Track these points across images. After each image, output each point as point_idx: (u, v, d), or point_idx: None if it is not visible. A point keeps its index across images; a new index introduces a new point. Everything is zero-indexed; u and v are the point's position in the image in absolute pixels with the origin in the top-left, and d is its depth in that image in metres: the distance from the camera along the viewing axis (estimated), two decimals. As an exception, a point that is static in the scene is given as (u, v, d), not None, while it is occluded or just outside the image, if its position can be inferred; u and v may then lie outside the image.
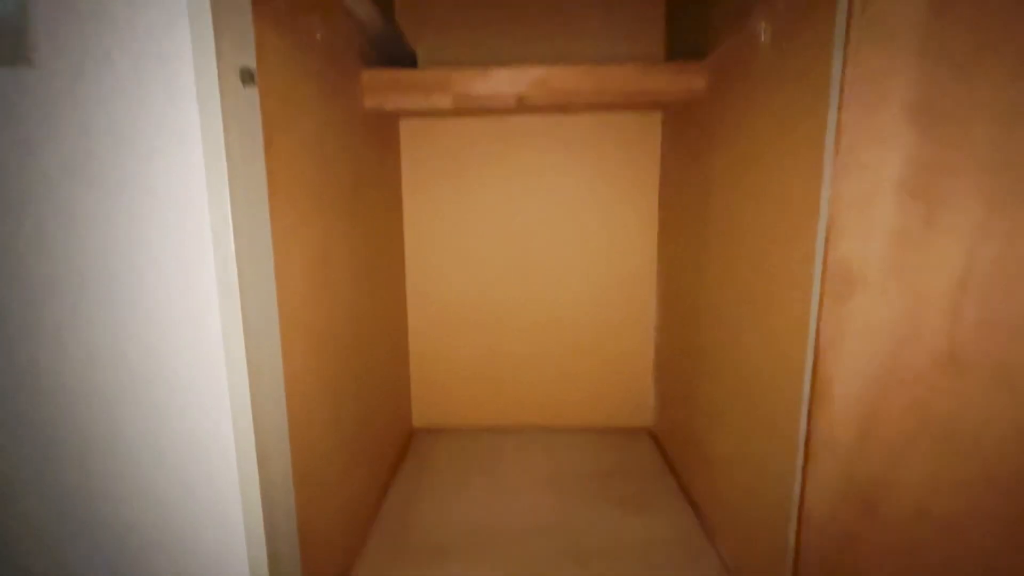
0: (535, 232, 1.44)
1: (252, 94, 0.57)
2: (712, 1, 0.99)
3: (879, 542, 0.54)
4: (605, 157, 1.40)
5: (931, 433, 0.52)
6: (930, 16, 0.50)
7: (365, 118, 1.06)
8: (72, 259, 0.55)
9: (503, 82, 1.02)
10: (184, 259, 0.54)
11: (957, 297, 0.52)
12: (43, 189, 0.54)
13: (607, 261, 1.45)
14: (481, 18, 1.32)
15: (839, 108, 0.56)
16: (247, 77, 0.55)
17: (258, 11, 0.58)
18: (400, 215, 1.42)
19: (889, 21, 0.52)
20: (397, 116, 1.34)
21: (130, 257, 0.54)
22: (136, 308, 0.56)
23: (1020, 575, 0.39)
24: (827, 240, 0.58)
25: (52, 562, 0.64)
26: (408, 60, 1.25)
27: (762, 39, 0.75)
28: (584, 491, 1.15)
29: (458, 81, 1.03)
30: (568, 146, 1.39)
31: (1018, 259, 0.50)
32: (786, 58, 0.69)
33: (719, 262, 0.96)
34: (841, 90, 0.56)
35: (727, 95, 0.90)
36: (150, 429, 0.59)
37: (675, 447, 1.26)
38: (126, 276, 0.55)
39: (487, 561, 0.92)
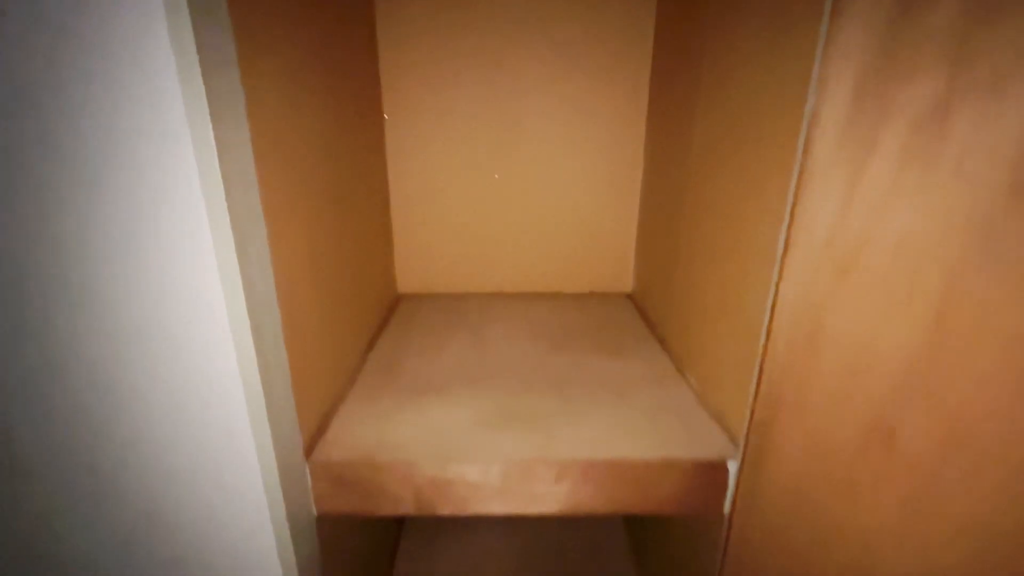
0: (524, 107, 1.37)
1: None
2: None
3: (824, 370, 0.55)
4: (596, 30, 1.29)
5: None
6: None
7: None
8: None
9: None
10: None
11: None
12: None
13: (595, 139, 1.39)
14: None
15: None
16: None
17: None
18: (377, 82, 1.32)
19: None
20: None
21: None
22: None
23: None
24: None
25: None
26: None
27: None
28: (565, 341, 1.19)
29: None
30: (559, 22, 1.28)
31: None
32: None
33: (703, 139, 0.92)
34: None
35: None
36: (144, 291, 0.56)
37: (653, 308, 1.29)
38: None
39: (468, 393, 0.96)
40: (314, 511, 0.81)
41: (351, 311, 1.07)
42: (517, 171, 1.43)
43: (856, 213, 0.49)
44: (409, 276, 1.53)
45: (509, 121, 1.38)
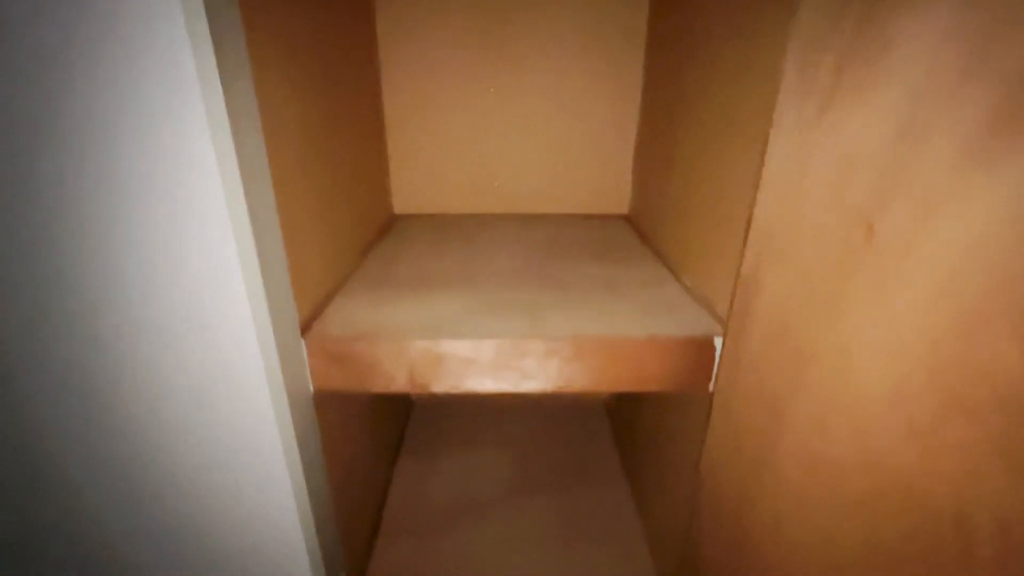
0: (523, 28, 1.33)
1: None
2: None
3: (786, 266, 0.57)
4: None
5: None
6: None
7: None
8: None
9: None
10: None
11: None
12: None
13: (595, 61, 1.36)
14: None
15: None
16: None
17: None
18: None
19: None
20: None
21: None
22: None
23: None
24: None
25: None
26: None
27: None
28: (560, 251, 1.20)
29: None
30: None
31: None
32: None
33: (693, 72, 0.89)
34: None
35: None
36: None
37: (650, 225, 1.29)
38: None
39: (462, 289, 0.97)
40: (311, 387, 0.83)
41: (345, 217, 1.07)
42: (515, 93, 1.40)
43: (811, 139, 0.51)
44: (404, 197, 1.52)
45: (508, 40, 1.35)
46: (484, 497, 1.39)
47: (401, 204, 1.53)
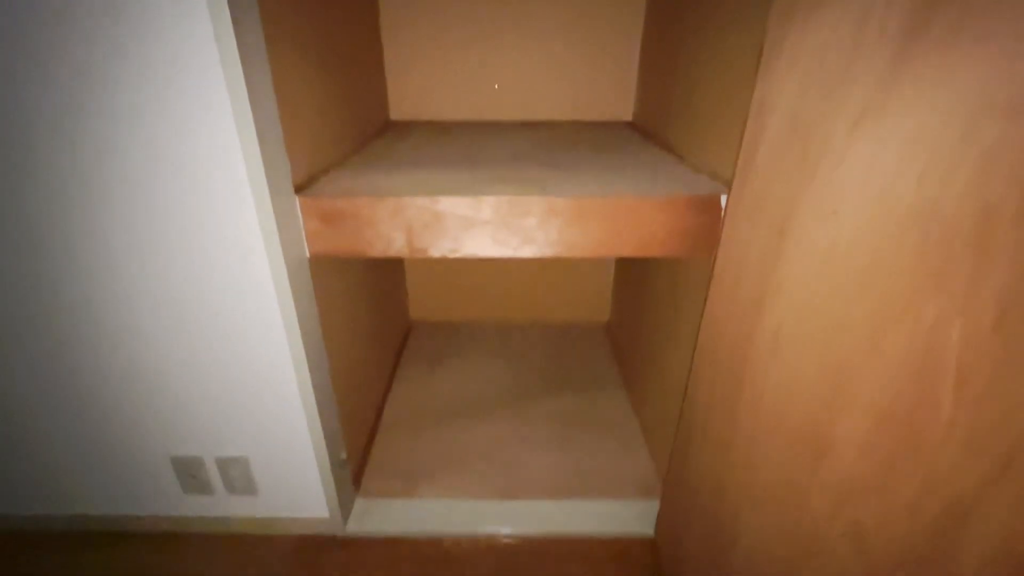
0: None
1: None
2: None
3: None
4: None
5: None
6: None
7: None
8: None
9: None
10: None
11: None
12: None
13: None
14: None
15: None
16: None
17: None
18: None
19: None
20: None
21: None
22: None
23: None
24: None
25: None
26: None
27: None
28: (562, 144, 1.16)
29: None
30: None
31: None
32: None
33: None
34: None
35: None
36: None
37: (654, 127, 1.25)
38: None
39: (462, 166, 0.94)
40: (307, 251, 0.81)
41: (340, 108, 1.02)
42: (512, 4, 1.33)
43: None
44: (402, 104, 1.47)
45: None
46: (483, 401, 1.40)
47: (398, 111, 1.48)
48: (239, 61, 0.63)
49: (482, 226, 0.78)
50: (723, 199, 0.76)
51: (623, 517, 1.07)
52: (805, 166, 0.53)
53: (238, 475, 0.96)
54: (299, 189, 0.79)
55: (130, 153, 0.70)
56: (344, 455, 1.02)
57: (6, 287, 0.80)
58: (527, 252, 0.80)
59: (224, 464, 0.95)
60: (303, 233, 0.80)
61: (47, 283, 0.80)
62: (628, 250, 0.80)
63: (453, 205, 0.76)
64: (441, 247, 0.80)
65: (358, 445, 1.16)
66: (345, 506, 1.04)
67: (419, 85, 1.45)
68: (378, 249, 0.80)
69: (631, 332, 1.47)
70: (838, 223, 0.48)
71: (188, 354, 0.85)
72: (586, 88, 1.45)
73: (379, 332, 1.39)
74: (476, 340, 1.71)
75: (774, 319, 0.60)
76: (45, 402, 0.91)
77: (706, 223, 0.78)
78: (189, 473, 0.96)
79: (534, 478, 1.15)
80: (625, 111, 1.47)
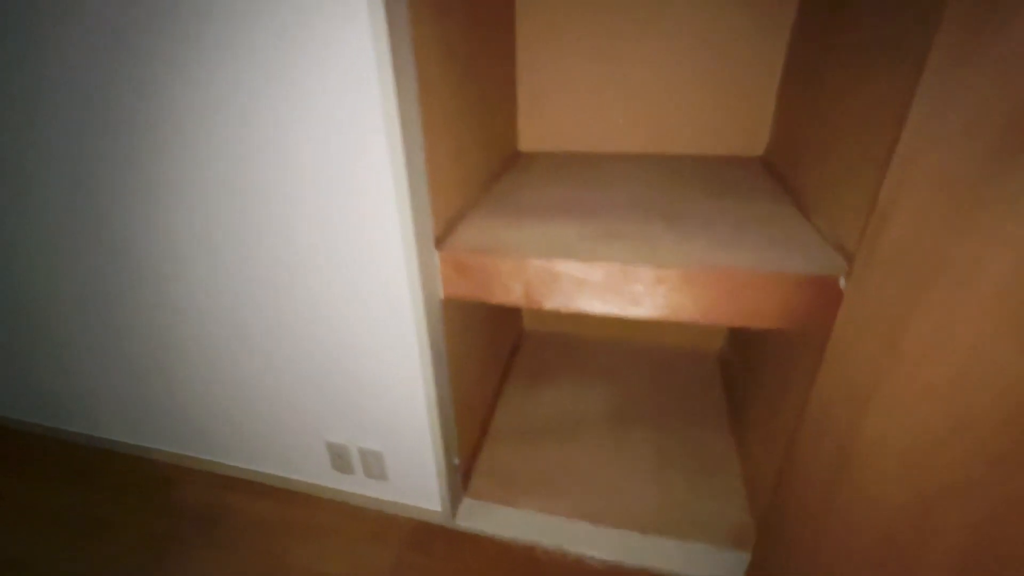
0: None
1: None
2: None
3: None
4: None
5: None
6: None
7: None
8: None
9: None
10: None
11: None
12: None
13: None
14: None
15: None
16: None
17: None
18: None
19: None
20: None
21: None
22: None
23: None
24: None
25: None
26: None
27: None
28: (682, 187, 1.18)
29: None
30: None
31: None
32: None
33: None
34: None
35: None
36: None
37: (785, 168, 1.20)
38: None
39: (579, 218, 1.01)
40: (441, 293, 0.95)
41: (476, 149, 1.15)
42: (652, 28, 1.34)
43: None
44: (531, 135, 1.57)
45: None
46: (585, 422, 1.48)
47: (527, 141, 1.58)
48: (400, 128, 0.75)
49: (593, 287, 0.85)
50: (842, 281, 0.75)
51: (712, 562, 1.09)
52: (934, 270, 0.52)
53: (374, 464, 1.16)
54: (439, 241, 0.93)
55: (306, 206, 0.88)
56: (456, 460, 1.17)
57: (220, 284, 1.05)
58: (634, 313, 0.86)
59: (364, 454, 1.16)
60: (439, 279, 0.94)
61: (250, 301, 1.03)
62: (735, 320, 0.82)
63: (567, 267, 0.85)
64: (554, 301, 0.88)
65: (469, 450, 1.31)
66: (455, 503, 1.20)
67: (549, 116, 1.53)
68: (499, 297, 0.91)
69: (743, 370, 1.43)
70: (954, 349, 0.48)
71: (343, 365, 1.05)
72: (717, 121, 1.42)
73: (494, 346, 1.53)
74: (585, 356, 1.78)
75: (877, 425, 0.59)
76: (249, 382, 1.17)
77: (820, 304, 0.77)
78: (338, 455, 1.19)
79: (627, 508, 1.21)
80: (757, 146, 1.42)
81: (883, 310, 0.61)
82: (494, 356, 1.55)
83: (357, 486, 1.23)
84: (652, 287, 0.82)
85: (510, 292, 0.90)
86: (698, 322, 0.84)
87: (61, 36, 0.84)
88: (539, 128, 1.55)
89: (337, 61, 0.74)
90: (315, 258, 0.93)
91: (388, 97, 0.73)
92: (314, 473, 1.26)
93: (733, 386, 1.52)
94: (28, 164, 1.01)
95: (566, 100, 1.49)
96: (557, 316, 1.88)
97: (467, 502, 1.24)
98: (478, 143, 1.17)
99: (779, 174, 1.24)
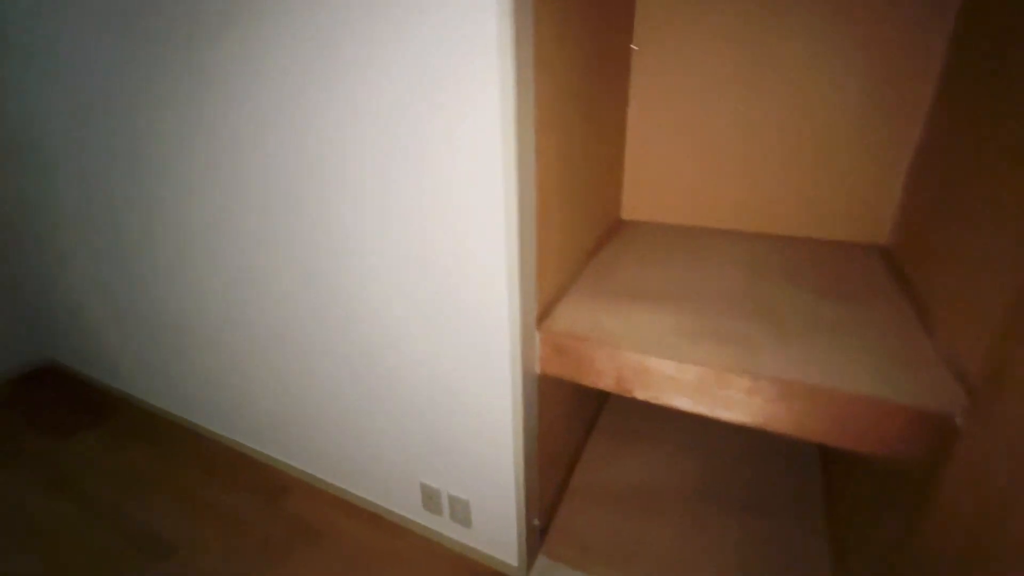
0: (780, 38, 1.28)
1: None
2: None
3: None
4: None
5: None
6: None
7: None
8: None
9: None
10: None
11: None
12: None
13: (872, 77, 1.22)
14: None
15: None
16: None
17: None
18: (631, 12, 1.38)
19: None
20: None
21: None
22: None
23: None
24: None
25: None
26: None
27: None
28: (790, 277, 1.16)
29: None
30: None
31: None
32: None
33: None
34: None
35: None
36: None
37: (909, 263, 1.13)
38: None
39: (676, 306, 1.04)
40: (538, 369, 1.03)
41: (581, 222, 1.23)
42: (770, 101, 1.34)
43: None
44: (634, 204, 1.62)
45: (771, 41, 1.29)
46: (667, 494, 1.46)
47: (631, 210, 1.63)
48: (516, 201, 0.83)
49: (685, 387, 0.88)
50: (958, 419, 0.71)
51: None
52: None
53: (460, 510, 1.26)
54: (540, 319, 1.01)
55: (419, 294, 1.01)
56: (536, 522, 1.23)
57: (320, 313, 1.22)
58: (725, 416, 0.87)
59: (453, 500, 1.26)
60: (537, 357, 1.02)
61: (374, 351, 1.19)
62: (830, 439, 0.80)
63: (661, 365, 0.89)
64: (645, 393, 0.92)
65: (548, 507, 1.36)
66: (531, 560, 1.25)
67: (656, 184, 1.56)
68: (591, 380, 0.97)
69: (844, 464, 1.34)
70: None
71: (444, 418, 1.16)
72: (835, 202, 1.37)
73: (581, 408, 1.58)
74: (672, 422, 1.76)
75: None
76: (364, 418, 1.33)
77: (929, 438, 0.73)
78: (429, 496, 1.30)
79: (703, 597, 1.18)
80: (878, 233, 1.34)
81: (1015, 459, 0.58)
82: (580, 417, 1.60)
83: (444, 527, 1.34)
84: (746, 396, 0.83)
85: (602, 378, 0.95)
86: (791, 435, 0.83)
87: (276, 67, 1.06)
88: (644, 197, 1.60)
89: (463, 131, 0.85)
90: (430, 319, 1.05)
91: (508, 168, 0.81)
92: (407, 507, 1.38)
93: (832, 475, 1.42)
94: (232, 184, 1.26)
95: (675, 169, 1.52)
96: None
97: (542, 560, 1.29)
98: (584, 212, 1.24)
99: (900, 269, 1.17)
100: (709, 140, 1.45)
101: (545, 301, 1.04)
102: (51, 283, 1.95)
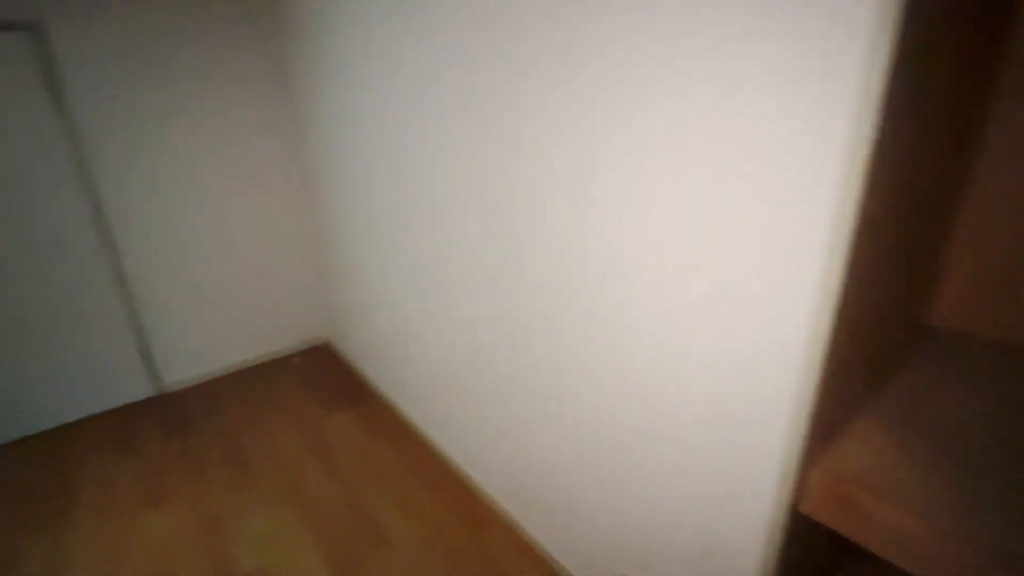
0: None
1: None
2: None
3: None
4: None
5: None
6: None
7: None
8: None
9: None
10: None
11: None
12: None
13: None
14: None
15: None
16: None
17: None
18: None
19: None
20: None
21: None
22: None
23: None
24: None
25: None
26: None
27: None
28: None
29: None
30: None
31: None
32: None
33: None
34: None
35: None
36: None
37: None
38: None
39: (1013, 470, 0.72)
40: (802, 508, 0.83)
41: (878, 326, 0.96)
42: None
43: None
44: (956, 303, 1.21)
45: None
46: None
47: (947, 312, 1.23)
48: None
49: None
50: None
51: None
52: None
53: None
54: (819, 449, 0.81)
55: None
56: None
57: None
58: None
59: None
60: (806, 496, 0.81)
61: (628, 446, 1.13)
62: None
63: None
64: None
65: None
66: None
67: (989, 281, 1.16)
68: (875, 549, 0.72)
69: None
70: None
71: (681, 533, 1.03)
72: None
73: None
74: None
75: None
76: (591, 497, 1.29)
77: None
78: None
79: None
80: None
81: None
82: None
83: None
84: None
85: (883, 550, 0.71)
86: None
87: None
88: (972, 296, 1.19)
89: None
90: (689, 429, 0.94)
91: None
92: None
93: None
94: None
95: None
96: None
97: None
98: (887, 314, 0.96)
99: None
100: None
101: (827, 424, 0.83)
102: (342, 286, 2.39)
